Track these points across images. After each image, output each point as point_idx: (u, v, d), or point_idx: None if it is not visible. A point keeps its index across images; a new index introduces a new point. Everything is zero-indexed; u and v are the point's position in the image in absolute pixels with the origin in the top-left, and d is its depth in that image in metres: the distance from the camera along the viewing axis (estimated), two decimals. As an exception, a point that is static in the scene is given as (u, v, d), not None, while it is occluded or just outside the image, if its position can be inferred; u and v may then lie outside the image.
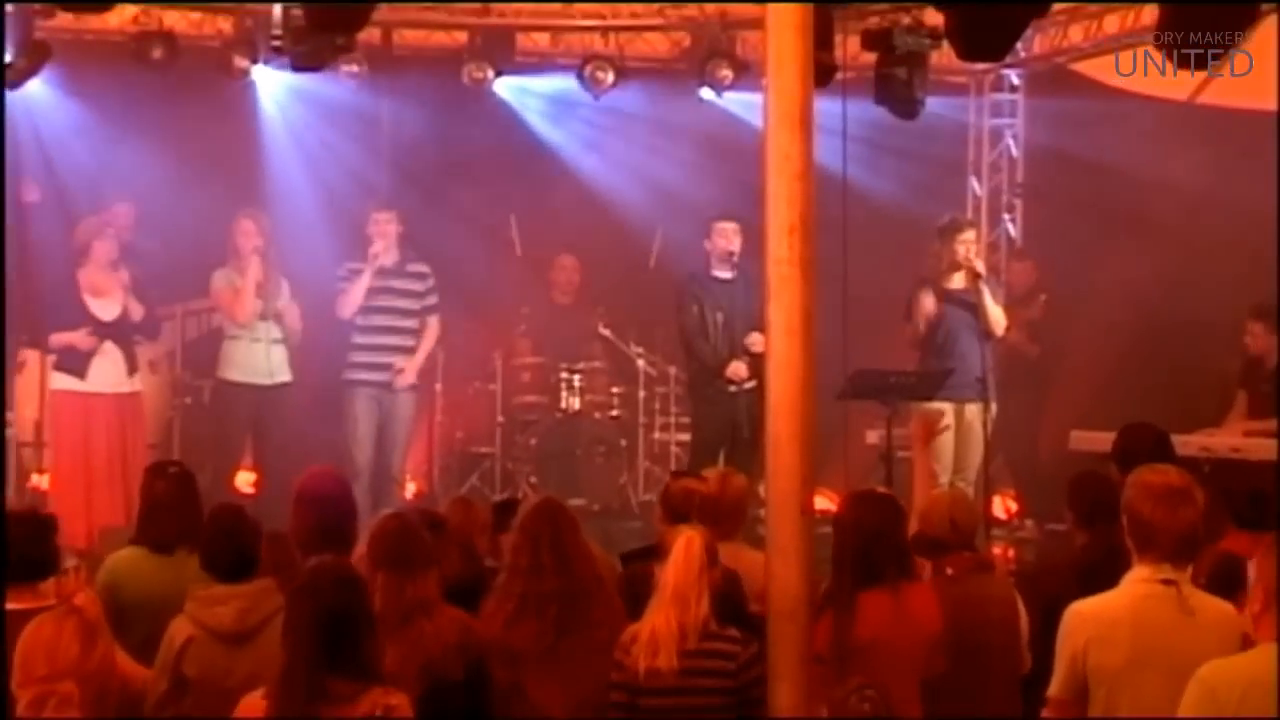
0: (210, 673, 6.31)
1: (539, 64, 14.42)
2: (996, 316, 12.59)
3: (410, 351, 12.84)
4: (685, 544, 6.38)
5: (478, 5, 13.57)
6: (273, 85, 13.63)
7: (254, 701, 5.32)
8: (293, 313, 12.51)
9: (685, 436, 13.97)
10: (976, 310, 12.56)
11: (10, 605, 6.22)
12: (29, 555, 6.46)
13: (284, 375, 12.55)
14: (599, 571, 6.77)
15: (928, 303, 12.47)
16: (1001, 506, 13.20)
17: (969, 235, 12.95)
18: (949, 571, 7.12)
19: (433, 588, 6.26)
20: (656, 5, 12.45)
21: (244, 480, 12.23)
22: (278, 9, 11.62)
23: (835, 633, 6.54)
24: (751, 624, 6.40)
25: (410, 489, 12.92)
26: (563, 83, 14.14)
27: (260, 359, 12.41)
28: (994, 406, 12.69)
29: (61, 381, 11.82)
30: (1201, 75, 12.38)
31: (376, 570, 6.13)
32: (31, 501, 11.54)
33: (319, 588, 5.44)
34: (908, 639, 6.74)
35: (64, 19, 11.63)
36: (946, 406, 12.28)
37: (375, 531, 6.34)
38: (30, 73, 12.25)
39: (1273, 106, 13.99)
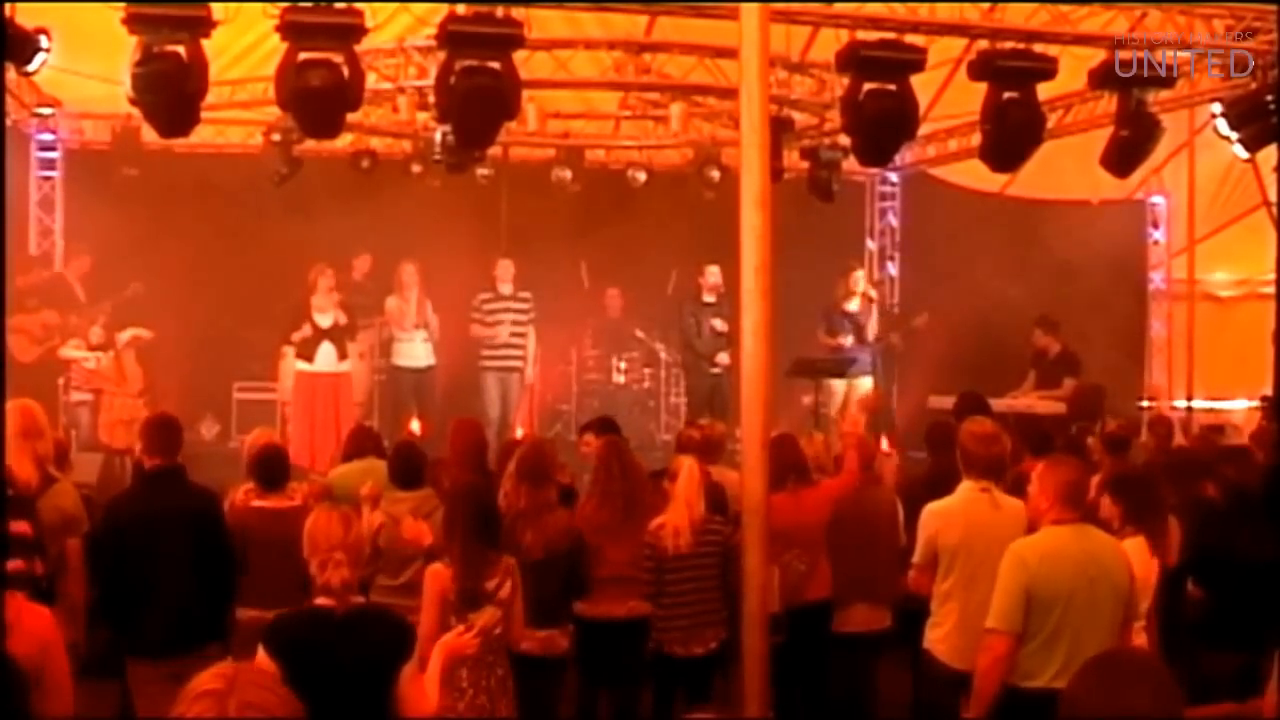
0: (394, 545, 6.35)
1: (599, 169, 14.30)
2: (872, 328, 12.68)
3: (521, 349, 12.83)
4: (687, 469, 6.43)
5: (561, 131, 13.53)
6: (435, 182, 13.45)
7: (439, 569, 5.32)
8: (434, 323, 12.54)
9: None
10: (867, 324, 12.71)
11: (263, 504, 6.42)
12: (272, 474, 6.62)
13: (431, 361, 12.63)
14: (645, 479, 6.74)
15: (845, 340, 12.63)
16: (887, 442, 13.14)
17: (860, 274, 13.19)
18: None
19: (552, 494, 6.25)
20: (673, 130, 12.39)
21: (415, 426, 12.20)
22: (439, 134, 11.66)
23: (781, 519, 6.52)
24: (728, 513, 6.40)
25: (519, 432, 12.88)
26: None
27: (415, 351, 12.52)
28: (875, 380, 12.82)
29: (299, 365, 11.82)
30: (1008, 176, 12.39)
31: (521, 482, 6.10)
32: (286, 439, 11.62)
33: (473, 496, 5.54)
34: (815, 523, 6.77)
35: (310, 143, 11.64)
36: (855, 381, 12.43)
37: (520, 457, 6.27)
38: (290, 176, 12.41)
39: (1049, 197, 14.10)
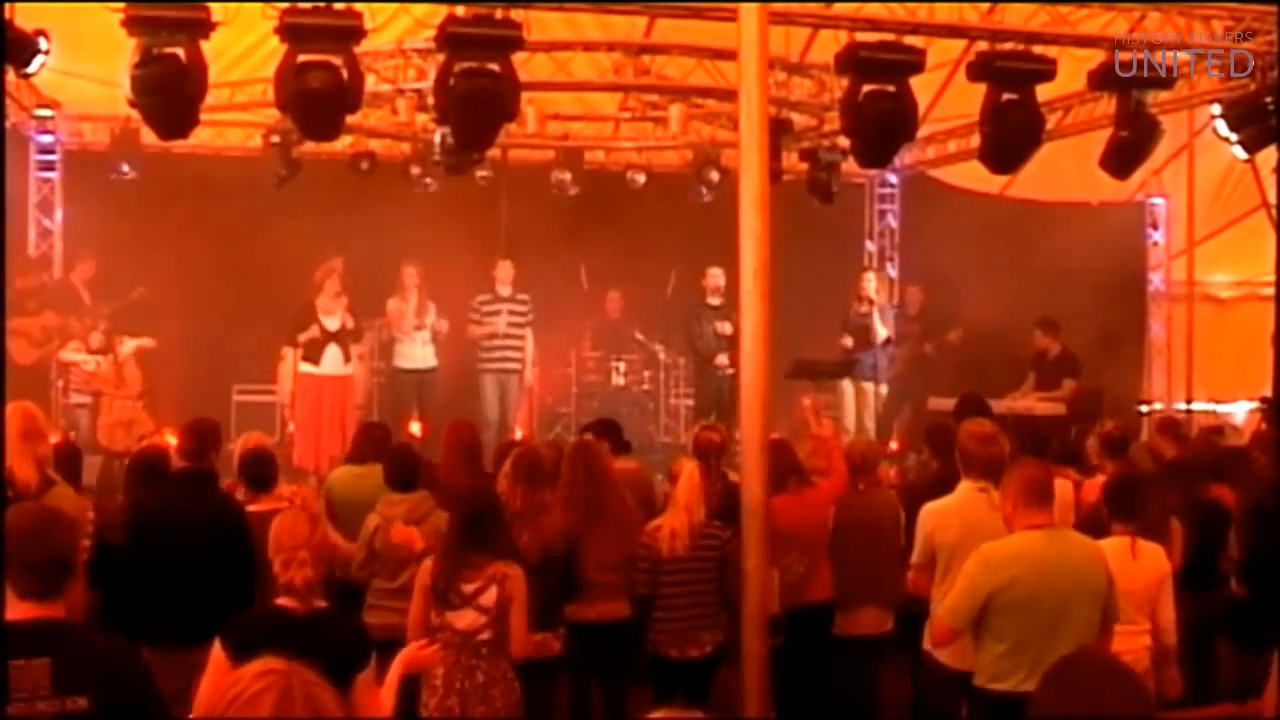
0: (389, 548, 6.34)
1: (598, 171, 14.29)
2: (878, 331, 12.64)
3: (519, 350, 12.81)
4: (688, 474, 6.41)
5: (560, 132, 13.52)
6: (435, 184, 13.32)
7: (427, 565, 5.39)
8: (440, 324, 12.46)
9: (688, 402, 13.94)
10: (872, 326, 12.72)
11: (255, 507, 6.35)
12: (260, 476, 6.66)
13: (432, 363, 12.57)
14: (615, 482, 6.69)
15: (846, 342, 12.65)
16: (897, 444, 13.13)
17: (870, 276, 13.20)
18: (860, 486, 7.08)
19: (548, 495, 6.24)
20: (672, 132, 12.38)
21: (415, 428, 12.17)
22: (438, 136, 11.65)
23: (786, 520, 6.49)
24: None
25: (519, 434, 12.87)
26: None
27: (415, 353, 12.48)
28: (884, 385, 12.79)
29: (304, 367, 11.77)
30: (1007, 177, 12.39)
31: (517, 484, 6.10)
32: (287, 442, 11.66)
33: (467, 499, 5.53)
34: (816, 524, 6.79)
35: (309, 145, 11.66)
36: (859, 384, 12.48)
37: (515, 459, 6.27)
38: (290, 179, 12.41)
39: (1048, 199, 14.07)
